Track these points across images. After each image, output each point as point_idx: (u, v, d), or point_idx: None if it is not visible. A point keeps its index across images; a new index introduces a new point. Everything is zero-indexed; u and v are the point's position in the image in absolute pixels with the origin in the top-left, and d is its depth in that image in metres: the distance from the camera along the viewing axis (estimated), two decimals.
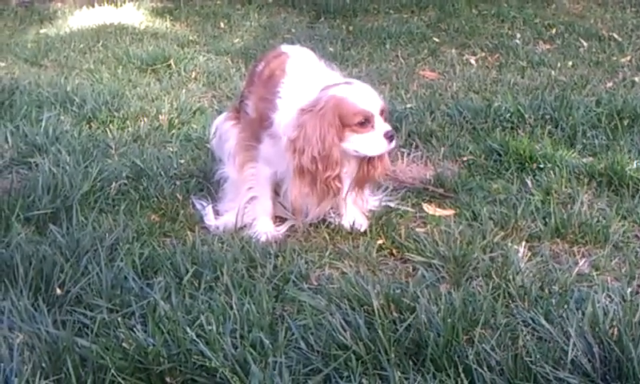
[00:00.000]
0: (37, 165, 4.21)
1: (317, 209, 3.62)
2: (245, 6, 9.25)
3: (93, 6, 8.82)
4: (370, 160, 3.52)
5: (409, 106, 5.38)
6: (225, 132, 3.94)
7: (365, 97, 3.42)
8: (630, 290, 3.05)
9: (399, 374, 2.48)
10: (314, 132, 3.36)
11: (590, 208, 3.82)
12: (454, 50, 7.24)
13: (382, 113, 3.44)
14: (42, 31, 7.87)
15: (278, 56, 3.81)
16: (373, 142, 3.42)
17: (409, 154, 4.56)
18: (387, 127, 3.43)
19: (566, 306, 2.87)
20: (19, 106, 5.16)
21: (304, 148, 3.38)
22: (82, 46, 7.15)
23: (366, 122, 3.40)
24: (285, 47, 3.98)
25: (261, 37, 7.79)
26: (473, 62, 6.87)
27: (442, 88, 5.96)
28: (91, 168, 4.09)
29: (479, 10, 9.06)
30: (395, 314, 2.81)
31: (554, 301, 2.93)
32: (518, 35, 7.80)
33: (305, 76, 3.58)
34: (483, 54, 7.11)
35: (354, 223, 3.69)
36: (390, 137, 3.42)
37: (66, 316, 2.81)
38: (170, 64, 6.46)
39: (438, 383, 2.42)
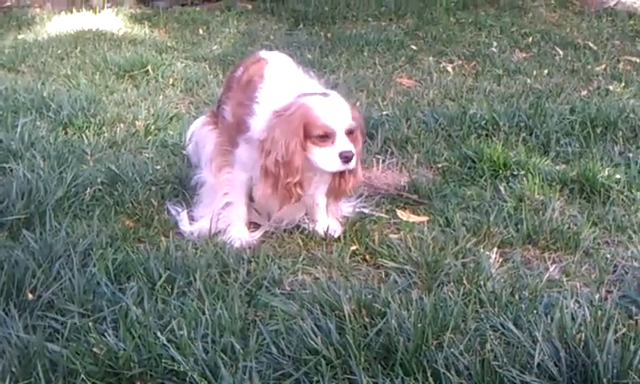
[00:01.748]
0: (11, 170, 4.18)
1: (279, 212, 3.63)
2: (224, 13, 9.26)
3: (71, 12, 8.79)
4: (341, 173, 3.52)
5: (385, 112, 5.41)
6: (202, 137, 3.95)
7: (331, 112, 3.40)
8: (598, 295, 3.10)
9: (368, 378, 2.50)
10: (280, 136, 3.38)
11: (561, 215, 3.87)
12: (431, 58, 7.29)
13: (349, 132, 3.41)
14: (19, 37, 7.82)
15: (256, 62, 3.82)
16: (328, 158, 3.40)
17: (384, 161, 4.58)
18: (346, 147, 3.38)
19: (535, 312, 2.89)
20: None
21: (270, 150, 3.41)
22: (59, 51, 7.11)
23: (326, 136, 3.39)
24: (263, 53, 3.99)
25: (239, 43, 7.79)
26: (450, 69, 6.92)
27: (418, 95, 6.00)
28: (66, 174, 4.07)
29: (457, 18, 9.13)
30: (366, 319, 2.83)
31: (523, 306, 2.96)
32: (495, 43, 7.86)
33: (283, 82, 3.59)
34: (460, 62, 7.16)
35: (327, 229, 3.70)
36: (345, 158, 3.38)
37: (37, 321, 2.80)
38: (148, 70, 6.44)
39: None
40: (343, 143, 3.39)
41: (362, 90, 6.13)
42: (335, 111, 3.41)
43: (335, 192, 3.64)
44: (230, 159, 3.69)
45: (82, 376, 2.50)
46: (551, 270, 3.36)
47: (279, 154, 3.38)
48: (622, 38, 8.29)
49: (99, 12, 8.91)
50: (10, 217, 3.61)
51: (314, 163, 3.43)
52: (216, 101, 4.16)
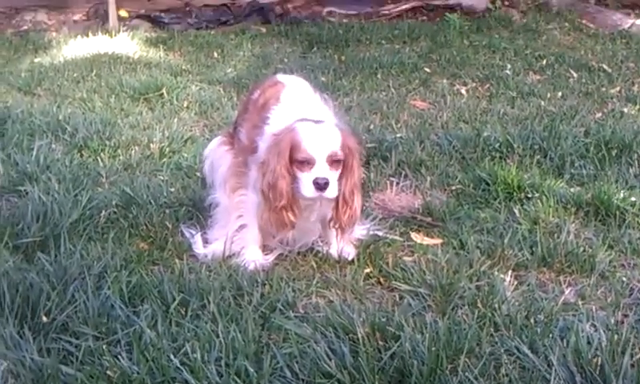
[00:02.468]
0: (27, 193, 4.21)
1: (280, 236, 3.65)
2: (238, 36, 9.29)
3: (87, 36, 8.83)
4: (337, 203, 3.50)
5: (399, 135, 5.41)
6: (218, 158, 3.95)
7: (314, 139, 3.38)
8: (614, 319, 3.07)
9: None
10: (271, 159, 3.41)
11: (576, 237, 3.85)
12: (445, 80, 7.29)
13: (330, 160, 3.39)
14: (36, 60, 7.88)
15: (273, 85, 3.84)
16: (305, 184, 3.39)
17: (398, 183, 4.58)
18: (320, 174, 3.36)
19: (550, 336, 2.88)
20: (11, 135, 5.16)
21: (265, 172, 3.44)
22: (75, 75, 7.16)
23: (305, 162, 3.39)
24: (280, 77, 4.01)
25: (253, 66, 7.82)
26: (463, 92, 6.91)
27: (432, 118, 5.99)
28: (81, 196, 4.09)
29: (470, 40, 9.12)
30: (380, 343, 2.82)
31: (538, 330, 2.94)
32: (509, 66, 7.85)
33: (294, 106, 3.60)
34: (474, 85, 7.15)
35: (341, 252, 3.70)
36: (317, 184, 3.36)
37: (52, 344, 2.81)
38: (163, 93, 6.47)
39: None
40: (320, 170, 3.37)
41: (375, 113, 6.12)
42: (318, 138, 3.39)
43: (333, 222, 3.60)
44: (244, 181, 3.70)
45: None
46: (567, 293, 3.34)
47: (269, 175, 3.41)
48: (636, 60, 8.26)
49: (115, 36, 8.95)
50: (25, 239, 3.63)
51: (297, 188, 3.43)
52: (232, 122, 4.16)
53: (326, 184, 3.37)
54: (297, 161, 3.40)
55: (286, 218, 3.48)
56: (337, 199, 3.48)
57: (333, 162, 3.40)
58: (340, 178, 3.46)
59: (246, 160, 3.68)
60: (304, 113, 3.54)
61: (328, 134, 3.43)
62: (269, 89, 3.80)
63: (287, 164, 3.40)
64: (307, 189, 3.39)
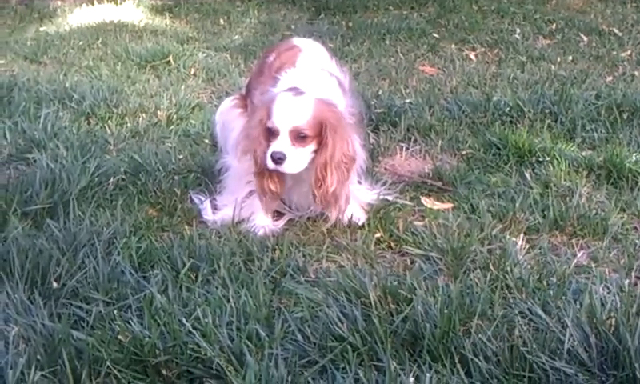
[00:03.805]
0: (35, 160, 4.20)
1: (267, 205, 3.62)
2: (244, 3, 9.25)
3: (93, 4, 8.81)
4: (313, 179, 3.45)
5: (408, 100, 5.37)
6: (230, 120, 3.94)
7: (281, 110, 3.34)
8: (627, 281, 3.05)
9: (395, 364, 2.47)
10: (252, 125, 3.44)
11: (588, 200, 3.82)
12: (453, 46, 7.24)
13: (294, 134, 3.34)
14: (41, 29, 7.86)
15: (289, 49, 3.81)
16: (268, 155, 3.36)
17: (407, 148, 4.55)
18: (278, 148, 3.33)
19: (563, 298, 2.86)
20: (18, 103, 5.14)
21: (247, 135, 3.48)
22: (81, 43, 7.13)
23: (271, 133, 3.36)
24: (297, 40, 3.98)
25: (260, 33, 7.78)
26: (472, 57, 6.87)
27: (441, 83, 5.96)
28: (89, 163, 4.07)
29: (479, 5, 9.08)
30: (392, 306, 2.80)
31: (551, 292, 2.92)
32: (518, 30, 7.80)
33: (307, 71, 3.57)
34: (483, 50, 7.11)
35: (352, 217, 3.66)
36: (272, 157, 3.33)
37: (62, 309, 2.80)
38: (169, 61, 6.45)
39: (434, 373, 2.40)
40: (279, 144, 3.34)
41: (383, 79, 6.10)
42: (285, 111, 3.34)
43: (312, 196, 3.54)
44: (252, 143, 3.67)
45: (108, 363, 2.49)
46: (579, 256, 3.32)
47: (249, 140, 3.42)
48: None
49: (120, 3, 8.92)
50: (33, 206, 3.62)
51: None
52: (245, 85, 4.12)
53: (280, 159, 3.33)
54: (266, 129, 3.38)
55: (266, 186, 3.48)
56: (315, 173, 3.44)
57: (297, 136, 3.36)
58: (315, 154, 3.42)
59: None
60: (300, 82, 3.49)
61: (297, 108, 3.35)
62: (285, 52, 3.77)
63: (263, 131, 3.39)
64: (268, 160, 3.36)
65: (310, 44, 3.90)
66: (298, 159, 3.37)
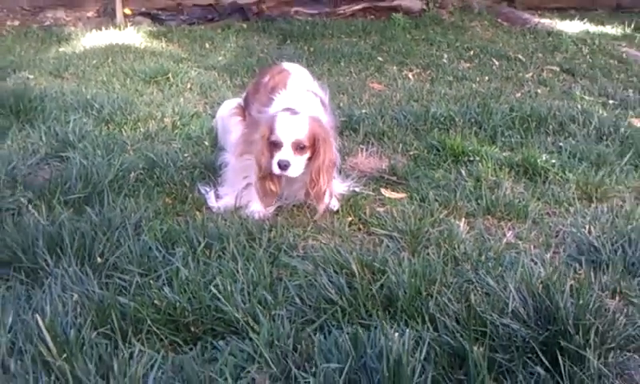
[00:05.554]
0: (68, 158, 4.13)
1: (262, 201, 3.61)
2: (224, 31, 9.15)
3: (100, 29, 8.62)
4: (309, 179, 3.48)
5: (364, 111, 5.39)
6: (230, 125, 3.94)
7: (284, 126, 3.37)
8: (548, 255, 3.14)
9: (377, 322, 2.51)
10: (257, 138, 3.45)
11: (512, 191, 3.91)
12: (394, 67, 7.28)
13: (295, 145, 3.38)
14: (60, 49, 7.66)
15: (280, 72, 3.84)
16: (274, 162, 3.40)
17: (366, 149, 4.58)
18: (284, 157, 3.37)
19: (500, 268, 2.93)
20: (49, 111, 5.03)
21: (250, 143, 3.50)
22: (94, 61, 6.99)
23: (274, 145, 3.40)
24: (285, 64, 4.00)
25: (240, 55, 7.72)
26: (410, 76, 6.92)
27: (388, 97, 5.99)
28: (114, 160, 4.02)
29: (412, 35, 9.12)
30: (369, 276, 2.84)
31: (490, 264, 2.99)
32: (445, 56, 7.87)
33: (295, 93, 3.60)
34: (418, 71, 7.16)
35: (328, 204, 3.70)
36: (279, 165, 3.38)
37: (107, 279, 2.79)
38: (169, 77, 6.36)
39: (409, 329, 2.45)
40: (284, 153, 3.38)
41: (342, 93, 6.11)
42: (287, 127, 3.38)
43: (306, 194, 3.58)
44: (250, 148, 3.67)
45: (149, 322, 2.50)
46: (508, 235, 3.40)
47: (254, 151, 3.47)
48: (543, 51, 8.34)
49: (123, 29, 8.76)
50: (72, 195, 3.57)
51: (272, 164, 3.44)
52: (243, 98, 4.10)
53: (286, 165, 3.37)
54: (271, 142, 3.40)
55: (268, 187, 3.50)
56: (310, 176, 3.47)
57: (297, 147, 3.39)
58: (309, 161, 3.45)
59: (254, 132, 3.65)
60: (292, 102, 3.52)
61: (297, 125, 3.39)
62: (277, 75, 3.79)
63: (267, 144, 3.41)
64: (275, 166, 3.40)
65: (296, 68, 3.92)
66: (298, 165, 3.41)
